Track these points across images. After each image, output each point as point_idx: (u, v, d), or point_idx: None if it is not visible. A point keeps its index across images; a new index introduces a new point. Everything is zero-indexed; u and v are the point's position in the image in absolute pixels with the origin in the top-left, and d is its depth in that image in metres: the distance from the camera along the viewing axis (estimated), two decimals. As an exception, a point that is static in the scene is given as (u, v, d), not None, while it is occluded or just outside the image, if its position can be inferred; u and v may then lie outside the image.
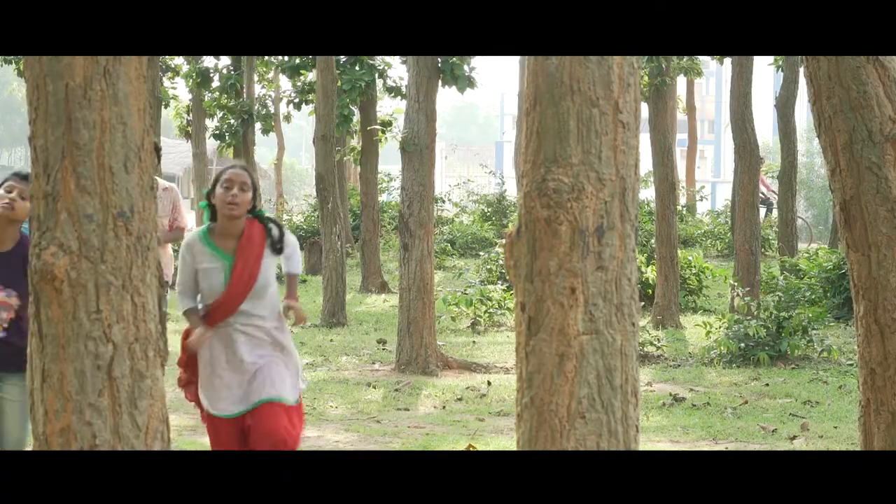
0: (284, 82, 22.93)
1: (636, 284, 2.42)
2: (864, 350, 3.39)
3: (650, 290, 13.81)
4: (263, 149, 52.68)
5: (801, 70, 3.60)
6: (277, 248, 5.03)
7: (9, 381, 4.62)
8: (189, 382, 5.06)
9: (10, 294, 4.59)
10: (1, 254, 4.60)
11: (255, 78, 23.30)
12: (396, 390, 9.51)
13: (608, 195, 2.38)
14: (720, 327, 11.51)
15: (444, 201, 26.67)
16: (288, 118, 23.12)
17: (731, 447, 7.38)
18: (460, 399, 9.25)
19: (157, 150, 8.44)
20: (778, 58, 16.80)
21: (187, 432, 7.66)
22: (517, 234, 2.43)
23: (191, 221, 28.84)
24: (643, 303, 13.08)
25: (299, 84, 19.37)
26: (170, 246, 8.31)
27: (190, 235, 4.97)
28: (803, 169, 29.26)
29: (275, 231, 5.04)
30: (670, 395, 9.18)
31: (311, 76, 18.79)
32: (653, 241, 15.02)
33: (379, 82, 18.65)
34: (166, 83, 23.70)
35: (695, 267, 15.25)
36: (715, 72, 49.02)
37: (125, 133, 2.24)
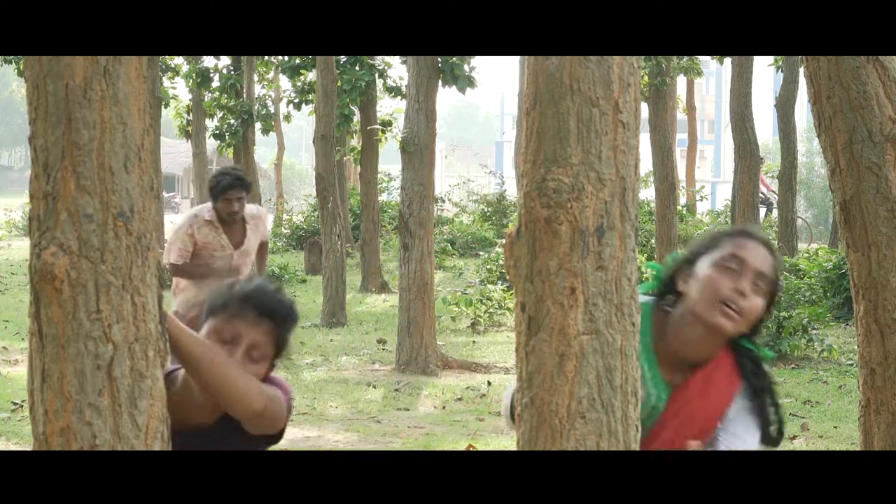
0: (284, 82, 22.93)
1: (636, 284, 2.42)
2: (864, 350, 3.39)
3: (650, 290, 13.78)
4: (263, 149, 52.67)
5: (801, 70, 3.60)
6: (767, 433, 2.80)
7: None
8: None
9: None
10: None
11: (255, 78, 23.30)
12: (396, 390, 9.50)
13: (608, 195, 2.38)
14: (720, 327, 11.49)
15: (444, 201, 26.68)
16: (288, 118, 23.12)
17: (731, 447, 7.36)
18: (460, 399, 9.25)
19: (247, 186, 7.13)
20: (778, 58, 16.80)
21: (187, 432, 7.65)
22: (517, 234, 2.43)
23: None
24: (643, 303, 13.05)
25: (299, 84, 19.37)
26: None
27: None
28: (803, 169, 29.25)
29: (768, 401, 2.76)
30: (670, 395, 9.17)
31: (311, 76, 18.79)
32: (653, 241, 15.02)
33: (379, 82, 18.66)
34: (166, 83, 23.71)
35: (695, 267, 15.22)
36: (715, 72, 49.03)
37: (125, 133, 2.24)
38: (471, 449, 6.87)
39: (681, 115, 28.90)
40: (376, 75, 17.98)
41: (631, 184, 2.43)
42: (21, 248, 23.50)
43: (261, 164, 39.03)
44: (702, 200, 29.90)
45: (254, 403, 2.64)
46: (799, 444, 7.47)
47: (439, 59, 11.29)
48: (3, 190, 62.31)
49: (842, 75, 3.30)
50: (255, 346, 2.78)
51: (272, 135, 25.49)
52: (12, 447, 6.99)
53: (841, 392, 9.38)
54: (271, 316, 2.80)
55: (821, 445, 7.44)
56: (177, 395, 2.70)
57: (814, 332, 11.06)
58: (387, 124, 19.44)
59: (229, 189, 7.14)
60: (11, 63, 19.82)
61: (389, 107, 21.27)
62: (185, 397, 2.75)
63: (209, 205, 7.27)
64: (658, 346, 2.70)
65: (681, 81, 24.95)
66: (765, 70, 23.91)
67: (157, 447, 2.29)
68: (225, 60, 23.01)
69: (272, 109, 25.15)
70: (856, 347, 3.53)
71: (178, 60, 23.39)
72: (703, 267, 2.66)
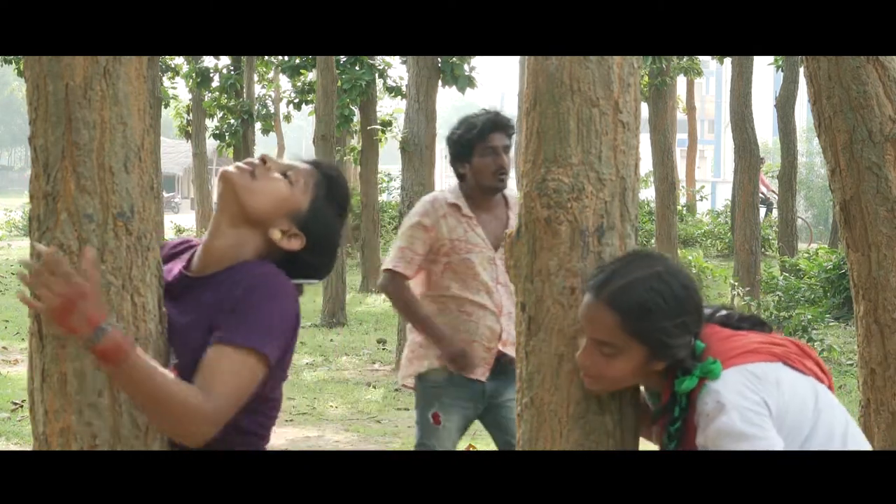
0: (284, 82, 22.91)
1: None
2: (864, 350, 3.39)
3: (650, 290, 13.77)
4: (263, 149, 52.62)
5: (801, 70, 3.60)
6: None
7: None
8: None
9: None
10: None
11: (255, 78, 23.29)
12: (396, 390, 9.49)
13: (608, 195, 2.38)
14: (720, 327, 11.49)
15: (444, 201, 26.60)
16: (288, 118, 23.10)
17: (731, 447, 7.36)
18: (460, 399, 9.24)
19: (510, 130, 4.13)
20: (778, 58, 16.79)
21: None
22: (517, 234, 2.43)
23: (189, 221, 28.72)
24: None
25: (299, 84, 19.36)
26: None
27: None
28: (803, 169, 29.22)
29: None
30: (670, 395, 9.17)
31: (311, 76, 18.78)
32: (653, 241, 15.01)
33: (379, 82, 18.64)
34: (166, 83, 23.69)
35: (695, 267, 15.24)
36: (715, 72, 48.98)
37: (125, 133, 2.24)
38: (471, 449, 6.87)
39: (681, 115, 28.88)
40: (376, 75, 17.97)
41: (631, 184, 2.43)
42: (21, 248, 23.49)
43: (261, 164, 38.98)
44: (702, 200, 29.89)
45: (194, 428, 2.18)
46: (799, 444, 7.47)
47: (439, 59, 11.29)
48: (3, 190, 62.31)
49: (842, 75, 3.30)
50: (285, 168, 2.38)
51: (272, 135, 25.47)
52: (12, 447, 6.99)
53: (841, 392, 9.38)
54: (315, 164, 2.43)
55: (821, 445, 7.44)
56: None
57: (814, 332, 11.07)
58: (387, 124, 19.43)
59: (491, 130, 4.41)
60: (11, 63, 19.79)
61: (389, 107, 21.26)
62: None
63: (453, 186, 4.58)
64: None
65: (681, 81, 24.93)
66: (765, 70, 23.90)
67: (156, 447, 2.29)
68: (225, 60, 23.01)
69: (272, 109, 25.13)
70: (856, 347, 3.53)
71: (178, 60, 23.38)
72: None
